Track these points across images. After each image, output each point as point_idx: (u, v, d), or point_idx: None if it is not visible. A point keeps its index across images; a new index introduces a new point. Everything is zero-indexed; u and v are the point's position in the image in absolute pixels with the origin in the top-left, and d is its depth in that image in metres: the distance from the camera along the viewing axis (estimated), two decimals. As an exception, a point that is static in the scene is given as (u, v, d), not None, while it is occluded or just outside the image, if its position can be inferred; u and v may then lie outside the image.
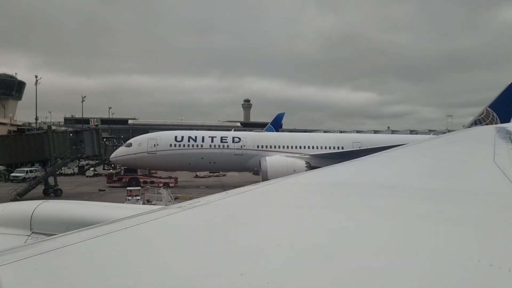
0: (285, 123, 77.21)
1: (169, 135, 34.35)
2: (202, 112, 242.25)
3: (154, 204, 18.14)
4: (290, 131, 74.40)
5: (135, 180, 33.93)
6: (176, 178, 36.06)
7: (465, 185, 2.70)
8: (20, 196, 24.73)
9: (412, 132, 72.89)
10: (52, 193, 28.24)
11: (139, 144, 32.81)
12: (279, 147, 34.18)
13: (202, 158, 32.96)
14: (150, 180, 34.14)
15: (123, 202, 17.02)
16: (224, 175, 44.90)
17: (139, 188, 25.62)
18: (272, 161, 30.81)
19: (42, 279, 1.21)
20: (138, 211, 2.47)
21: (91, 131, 32.31)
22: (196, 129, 47.88)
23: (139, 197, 22.01)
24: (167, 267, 1.28)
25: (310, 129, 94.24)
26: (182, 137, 33.52)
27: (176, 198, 22.01)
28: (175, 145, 32.90)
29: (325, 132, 67.28)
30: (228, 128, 65.29)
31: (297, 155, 32.69)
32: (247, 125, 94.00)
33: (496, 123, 36.75)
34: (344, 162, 4.18)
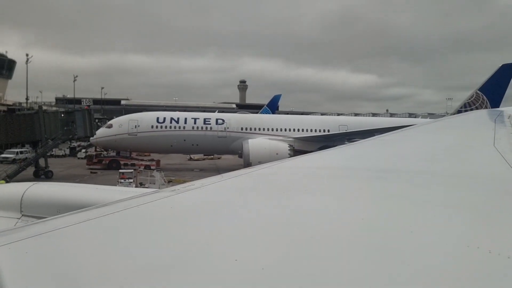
0: (282, 105, 76.99)
1: (150, 116, 33.55)
2: (197, 93, 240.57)
3: (147, 187, 18.13)
4: (287, 113, 74.14)
5: (115, 163, 33.30)
6: (158, 161, 35.48)
7: (464, 170, 2.70)
8: (10, 178, 24.47)
9: (411, 115, 72.71)
10: (43, 175, 27.99)
11: (120, 125, 32.04)
12: (263, 129, 33.74)
13: (185, 140, 32.38)
14: (131, 162, 33.50)
15: (115, 185, 16.99)
16: (219, 158, 44.65)
17: (132, 170, 25.51)
18: (254, 143, 30.40)
19: (32, 262, 1.18)
20: (131, 194, 2.45)
21: (83, 111, 31.83)
22: (191, 111, 47.17)
23: (131, 180, 21.94)
24: (160, 252, 1.26)
25: (307, 111, 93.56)
26: (164, 118, 32.78)
27: (169, 181, 22.02)
28: (156, 127, 32.27)
29: (322, 114, 67.11)
30: (223, 110, 64.87)
31: (281, 137, 32.32)
32: (243, 107, 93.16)
33: (486, 106, 36.88)
34: (340, 146, 4.17)
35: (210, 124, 33.20)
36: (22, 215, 3.74)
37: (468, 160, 3.13)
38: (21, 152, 34.27)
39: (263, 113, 58.57)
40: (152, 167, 30.77)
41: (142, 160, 35.84)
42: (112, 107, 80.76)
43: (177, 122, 32.76)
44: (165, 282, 1.08)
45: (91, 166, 34.01)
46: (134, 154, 38.05)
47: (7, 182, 20.27)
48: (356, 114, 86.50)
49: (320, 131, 34.42)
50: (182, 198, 1.97)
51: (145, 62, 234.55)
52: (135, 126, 31.91)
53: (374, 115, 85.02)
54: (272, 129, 33.97)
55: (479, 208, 1.82)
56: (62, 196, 3.91)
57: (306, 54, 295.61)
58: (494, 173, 2.55)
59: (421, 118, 52.66)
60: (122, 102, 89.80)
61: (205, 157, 44.57)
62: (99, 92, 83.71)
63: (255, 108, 77.12)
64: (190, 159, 44.13)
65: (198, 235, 1.43)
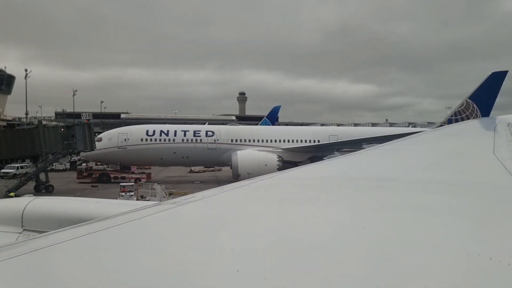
0: (282, 116, 77.12)
1: (140, 129, 33.63)
2: (198, 105, 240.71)
3: (148, 200, 18.05)
4: (286, 124, 74.53)
5: (105, 176, 33.34)
6: (149, 174, 35.43)
7: (464, 178, 2.72)
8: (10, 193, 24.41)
9: (410, 124, 73.09)
10: (44, 189, 27.90)
11: (110, 138, 32.02)
12: (253, 140, 33.67)
13: (175, 152, 32.35)
14: (121, 175, 33.38)
15: (116, 198, 16.92)
16: (219, 170, 44.55)
17: (133, 183, 25.45)
18: (243, 155, 30.25)
19: (34, 277, 1.18)
20: (132, 207, 2.45)
21: (82, 125, 31.82)
22: (191, 123, 47.25)
23: (132, 193, 21.87)
24: (162, 264, 1.26)
25: (307, 122, 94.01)
26: (154, 131, 32.83)
27: (170, 194, 21.93)
28: (146, 140, 32.28)
29: (321, 125, 67.42)
30: (223, 122, 64.98)
31: (271, 149, 32.22)
32: (242, 119, 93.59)
33: (476, 115, 37.13)
34: (341, 156, 4.19)
35: (200, 136, 33.18)
36: (24, 229, 3.72)
37: (468, 168, 3.14)
38: (22, 167, 34.24)
39: (263, 125, 58.75)
40: (142, 180, 30.53)
41: (133, 173, 35.66)
42: (112, 121, 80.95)
43: (167, 134, 32.75)
44: None
45: (81, 180, 33.89)
46: (134, 168, 38.09)
47: (16, 196, 20.17)
48: (355, 124, 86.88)
49: (310, 141, 34.32)
50: (183, 211, 1.97)
51: (145, 76, 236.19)
52: (125, 139, 31.89)
53: (373, 125, 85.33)
54: (262, 140, 33.89)
55: (479, 215, 1.83)
56: (63, 210, 3.90)
57: (306, 65, 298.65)
58: (494, 180, 2.56)
59: (411, 127, 53.62)
60: (122, 115, 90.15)
61: (205, 169, 44.48)
62: (99, 106, 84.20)
63: (255, 120, 77.39)
64: (191, 171, 44.07)
65: (199, 247, 1.43)
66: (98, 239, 1.52)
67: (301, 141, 34.53)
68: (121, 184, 24.27)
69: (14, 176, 31.06)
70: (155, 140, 32.53)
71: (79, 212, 3.74)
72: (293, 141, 34.46)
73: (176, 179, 36.36)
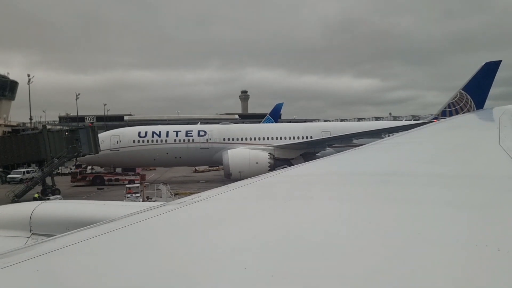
0: (285, 113, 77.08)
1: (132, 131, 33.99)
2: (201, 105, 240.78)
3: (153, 201, 18.13)
4: (289, 121, 74.59)
5: (99, 178, 33.66)
6: (143, 175, 35.54)
7: (471, 170, 2.70)
8: (18, 198, 24.62)
9: (414, 117, 72.88)
10: (50, 193, 28.12)
11: (102, 141, 32.00)
12: (246, 139, 33.66)
13: (167, 153, 32.58)
14: (115, 178, 33.65)
15: (122, 200, 17.01)
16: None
17: (138, 185, 25.59)
18: (234, 153, 30.35)
19: (43, 280, 1.20)
20: (138, 209, 2.46)
21: (86, 129, 32.02)
22: (193, 123, 47.40)
23: (138, 194, 21.98)
24: (170, 264, 1.27)
25: (310, 118, 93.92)
26: (146, 132, 33.11)
27: (176, 194, 22.02)
28: (138, 141, 32.53)
29: (325, 121, 67.39)
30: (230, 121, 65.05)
31: (263, 146, 32.15)
32: (245, 117, 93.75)
33: (470, 106, 36.85)
34: (346, 151, 4.17)
35: (192, 136, 33.29)
36: (32, 233, 3.75)
37: (474, 159, 3.12)
38: (28, 172, 34.51)
39: (266, 122, 58.83)
40: (136, 182, 30.60)
41: (125, 175, 35.66)
42: (115, 123, 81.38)
43: (159, 135, 32.96)
44: None
45: (76, 183, 34.10)
46: (139, 169, 38.25)
47: (14, 202, 20.28)
48: (359, 119, 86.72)
49: (303, 138, 34.11)
50: (189, 211, 1.98)
51: (147, 77, 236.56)
52: (117, 141, 32.19)
53: (377, 119, 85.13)
54: (255, 138, 33.82)
55: (486, 207, 1.81)
56: (70, 214, 3.93)
57: (309, 62, 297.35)
58: (501, 171, 2.54)
59: (408, 120, 53.71)
60: (125, 117, 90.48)
61: (210, 168, 44.58)
62: (102, 108, 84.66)
63: (257, 118, 77.36)
64: (195, 171, 44.17)
65: (206, 246, 1.44)
66: (105, 241, 1.53)
67: (293, 138, 34.37)
68: (127, 185, 24.42)
69: (21, 181, 31.32)
70: (148, 141, 32.77)
71: (86, 215, 3.77)
72: (285, 138, 34.29)
73: (181, 179, 36.49)
